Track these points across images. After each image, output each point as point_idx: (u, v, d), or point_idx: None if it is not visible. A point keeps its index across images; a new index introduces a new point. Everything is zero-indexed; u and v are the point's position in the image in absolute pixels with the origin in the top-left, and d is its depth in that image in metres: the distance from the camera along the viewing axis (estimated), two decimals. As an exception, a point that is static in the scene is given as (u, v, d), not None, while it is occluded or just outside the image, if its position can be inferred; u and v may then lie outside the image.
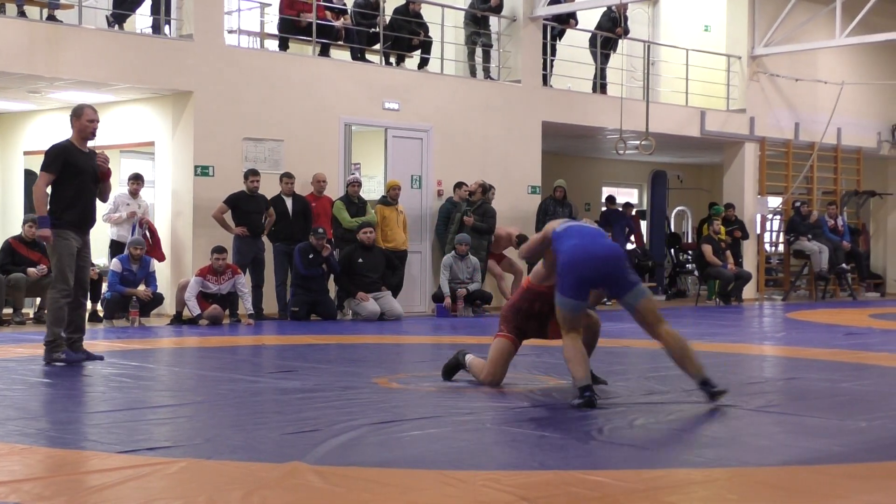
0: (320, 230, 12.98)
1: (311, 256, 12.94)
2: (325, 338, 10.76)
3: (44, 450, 4.80)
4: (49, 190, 8.16)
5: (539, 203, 16.40)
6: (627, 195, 22.55)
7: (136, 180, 13.00)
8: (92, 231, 8.47)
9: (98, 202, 8.59)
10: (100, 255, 14.27)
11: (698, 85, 19.01)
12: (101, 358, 8.31)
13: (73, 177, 8.08)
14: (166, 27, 13.44)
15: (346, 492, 4.02)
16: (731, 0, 19.54)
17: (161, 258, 12.98)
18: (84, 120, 8.22)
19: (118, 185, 14.95)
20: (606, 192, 21.52)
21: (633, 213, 19.50)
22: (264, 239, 13.18)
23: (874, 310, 16.38)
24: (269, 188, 13.23)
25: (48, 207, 8.09)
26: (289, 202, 13.30)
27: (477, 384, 6.91)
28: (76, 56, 12.29)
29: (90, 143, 8.39)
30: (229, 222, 12.94)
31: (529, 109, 16.38)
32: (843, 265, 19.47)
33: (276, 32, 14.79)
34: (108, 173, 8.42)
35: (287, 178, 13.30)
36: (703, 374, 6.18)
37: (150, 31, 13.50)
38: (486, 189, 14.77)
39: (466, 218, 14.48)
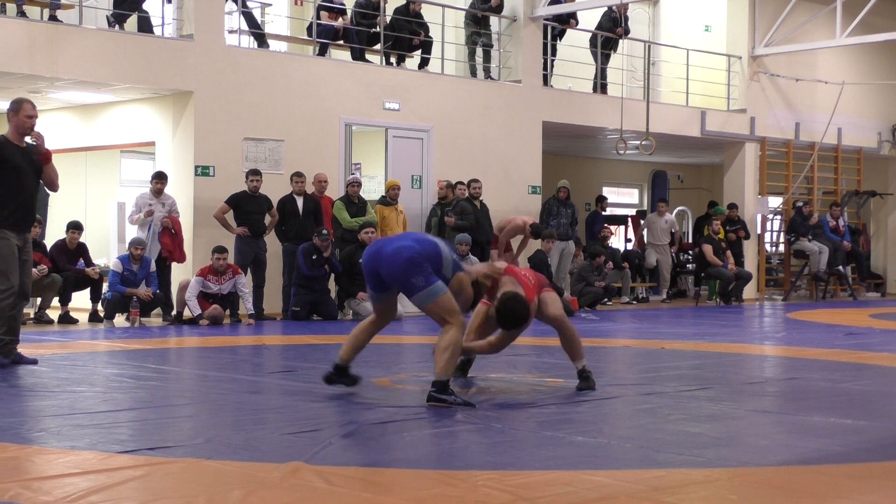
0: (324, 231, 12.97)
1: (314, 257, 12.93)
2: (325, 338, 10.76)
3: (44, 450, 4.80)
4: None
5: (542, 203, 16.40)
6: (628, 195, 22.56)
7: (160, 179, 12.80)
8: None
9: (51, 193, 8.22)
10: (102, 255, 14.29)
11: (698, 85, 19.01)
12: (34, 361, 7.99)
13: (8, 173, 7.77)
14: (167, 27, 13.45)
15: (346, 492, 4.02)
16: (731, 0, 19.54)
17: (182, 259, 12.84)
18: (22, 115, 7.84)
19: (118, 185, 15.00)
20: (607, 192, 21.52)
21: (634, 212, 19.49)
22: (266, 239, 13.17)
23: (874, 310, 16.37)
24: (269, 188, 13.23)
25: None
26: (300, 201, 13.30)
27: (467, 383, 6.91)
28: (76, 56, 12.29)
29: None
30: (231, 222, 12.94)
31: (529, 109, 16.39)
32: (839, 267, 19.47)
33: (276, 32, 14.80)
34: (48, 155, 8.01)
35: (298, 177, 13.29)
36: (437, 378, 6.04)
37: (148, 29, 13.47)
38: (452, 187, 14.77)
39: (447, 219, 14.48)
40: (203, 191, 13.16)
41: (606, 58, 17.85)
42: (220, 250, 12.31)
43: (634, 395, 6.62)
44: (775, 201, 20.47)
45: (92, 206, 14.83)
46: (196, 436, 5.21)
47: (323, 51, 14.73)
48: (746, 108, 19.36)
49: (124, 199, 14.39)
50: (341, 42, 14.96)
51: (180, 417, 5.80)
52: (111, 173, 15.12)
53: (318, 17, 14.61)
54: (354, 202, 13.69)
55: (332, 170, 14.12)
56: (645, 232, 18.75)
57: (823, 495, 4.07)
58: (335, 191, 14.05)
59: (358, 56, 14.99)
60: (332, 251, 13.12)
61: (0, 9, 12.43)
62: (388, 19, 15.32)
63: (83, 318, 12.45)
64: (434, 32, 15.74)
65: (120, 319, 12.26)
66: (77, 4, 12.55)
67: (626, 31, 17.82)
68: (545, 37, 16.74)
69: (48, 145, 8.12)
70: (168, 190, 13.10)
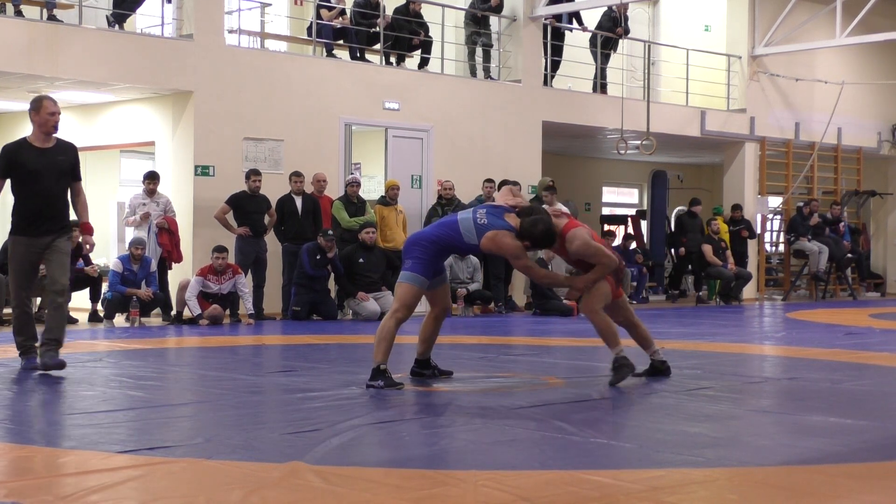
0: (329, 232, 12.97)
1: (318, 257, 12.93)
2: (325, 338, 10.76)
3: (44, 450, 4.79)
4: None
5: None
6: (627, 195, 22.55)
7: (152, 179, 12.78)
8: (97, 231, 8.14)
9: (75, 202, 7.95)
10: (102, 255, 14.29)
11: (698, 85, 19.01)
12: (62, 365, 7.54)
13: (23, 179, 7.48)
14: (167, 27, 13.45)
15: (347, 492, 4.02)
16: (731, 0, 19.54)
17: (179, 258, 12.85)
18: (44, 113, 7.52)
19: (118, 185, 15.00)
20: (607, 192, 21.48)
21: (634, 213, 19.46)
22: (266, 239, 13.17)
23: (874, 310, 16.37)
24: (269, 188, 13.23)
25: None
26: (298, 201, 13.30)
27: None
28: (76, 56, 12.29)
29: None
30: (231, 222, 12.94)
31: (529, 109, 16.38)
32: (850, 254, 19.49)
33: (276, 32, 14.79)
34: (89, 229, 8.10)
35: (296, 176, 13.29)
36: (374, 364, 6.70)
37: (150, 30, 13.47)
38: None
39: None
40: (203, 191, 13.16)
41: (606, 58, 17.84)
42: (220, 250, 12.31)
43: (634, 395, 6.62)
44: (775, 201, 20.47)
45: (92, 206, 14.64)
46: (196, 436, 5.21)
47: (329, 51, 14.72)
48: (746, 108, 19.37)
49: (124, 199, 14.38)
50: (341, 42, 14.96)
51: (180, 417, 5.80)
52: (111, 173, 15.12)
53: (319, 17, 14.60)
54: (353, 202, 13.69)
55: (331, 170, 14.12)
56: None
57: (823, 495, 4.06)
58: (335, 190, 14.05)
59: (358, 56, 14.99)
60: (336, 252, 13.13)
61: (0, 9, 12.42)
62: (389, 19, 15.31)
63: (83, 317, 12.45)
64: (434, 32, 15.74)
65: (120, 319, 12.27)
66: (77, 4, 12.55)
67: (626, 31, 17.82)
68: (545, 37, 16.75)
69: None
70: (167, 190, 13.10)
